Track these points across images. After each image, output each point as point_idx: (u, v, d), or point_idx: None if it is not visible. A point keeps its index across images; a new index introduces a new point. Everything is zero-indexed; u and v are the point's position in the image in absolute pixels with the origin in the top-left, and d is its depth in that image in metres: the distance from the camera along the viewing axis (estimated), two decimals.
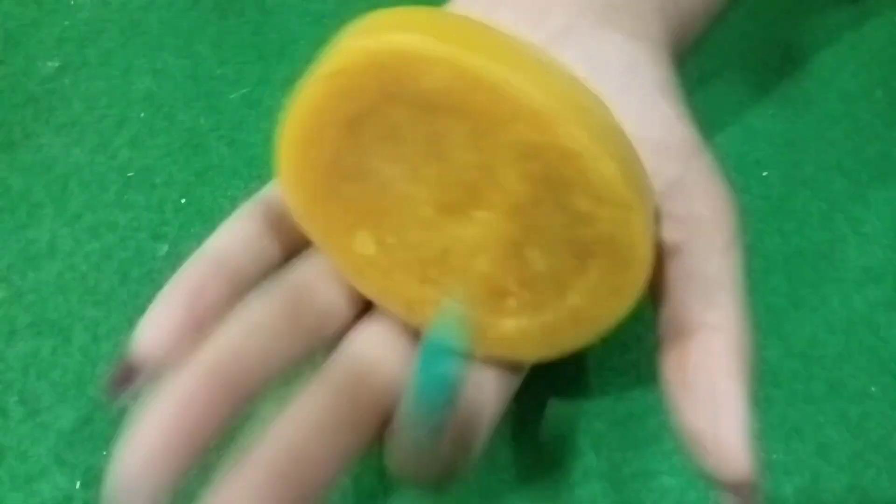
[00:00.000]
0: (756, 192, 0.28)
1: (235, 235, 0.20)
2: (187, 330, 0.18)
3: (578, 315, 0.19)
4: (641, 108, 0.20)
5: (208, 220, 0.29)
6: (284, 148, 0.19)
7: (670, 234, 0.20)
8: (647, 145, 0.19)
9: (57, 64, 0.33)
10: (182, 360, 0.17)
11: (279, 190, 0.20)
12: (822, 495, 0.24)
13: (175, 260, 0.28)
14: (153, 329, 0.18)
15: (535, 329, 0.19)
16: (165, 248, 0.29)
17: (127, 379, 0.18)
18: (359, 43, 0.18)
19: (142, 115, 0.32)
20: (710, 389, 0.18)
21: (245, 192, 0.29)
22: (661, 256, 0.20)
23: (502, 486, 0.24)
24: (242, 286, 0.19)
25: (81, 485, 0.24)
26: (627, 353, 0.26)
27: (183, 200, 0.30)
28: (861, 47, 0.31)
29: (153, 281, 0.28)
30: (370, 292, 0.21)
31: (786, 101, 0.30)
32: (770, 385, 0.25)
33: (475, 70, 0.16)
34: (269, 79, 0.33)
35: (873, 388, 0.25)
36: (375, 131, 0.18)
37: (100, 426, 0.26)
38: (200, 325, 0.18)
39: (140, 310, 0.27)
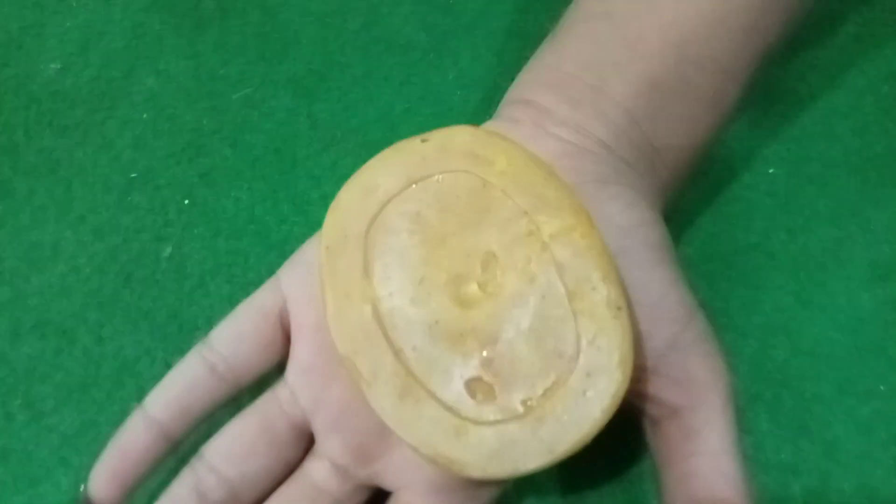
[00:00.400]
0: (763, 190, 0.28)
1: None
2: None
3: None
4: (640, 272, 0.21)
5: (212, 220, 0.29)
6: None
7: (669, 395, 0.21)
8: (645, 307, 0.21)
9: (59, 66, 0.33)
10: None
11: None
12: (830, 495, 0.24)
13: (178, 261, 0.28)
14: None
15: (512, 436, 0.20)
16: (169, 249, 0.29)
17: None
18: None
19: (144, 116, 0.32)
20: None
21: (248, 192, 0.30)
22: (661, 418, 0.22)
23: None
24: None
25: (85, 487, 0.24)
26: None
27: (186, 201, 0.30)
28: (867, 42, 0.31)
29: (157, 282, 0.28)
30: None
31: (792, 98, 0.30)
32: (778, 384, 0.25)
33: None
34: (271, 79, 0.32)
35: (882, 387, 0.25)
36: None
37: (103, 429, 0.26)
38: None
39: (144, 312, 0.27)
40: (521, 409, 0.20)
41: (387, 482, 0.22)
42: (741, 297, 0.26)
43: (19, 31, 0.34)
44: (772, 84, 0.30)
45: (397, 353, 0.20)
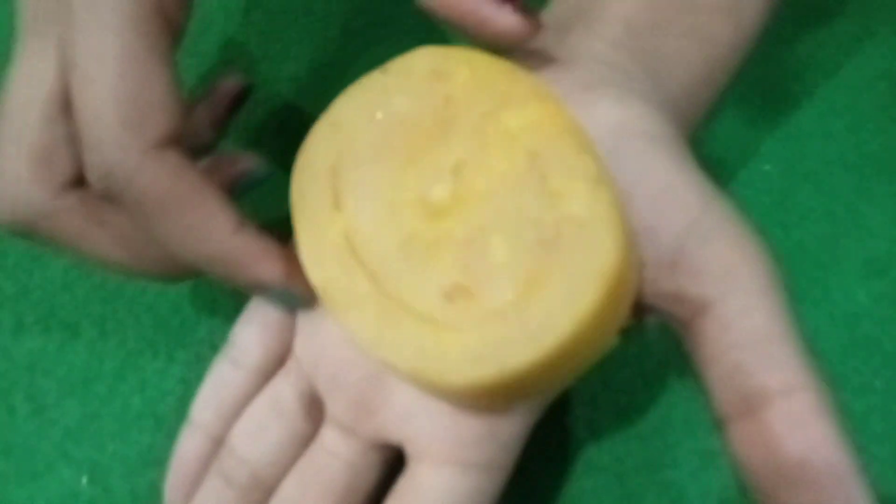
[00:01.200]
0: (758, 187, 0.28)
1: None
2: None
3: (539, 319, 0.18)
4: (636, 164, 0.19)
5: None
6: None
7: (695, 288, 0.18)
8: (648, 199, 0.19)
9: None
10: None
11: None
12: None
13: None
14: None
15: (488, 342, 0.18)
16: None
17: None
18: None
19: None
20: (812, 471, 0.17)
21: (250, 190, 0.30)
22: (691, 316, 0.19)
23: None
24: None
25: (88, 480, 0.25)
26: (629, 346, 0.26)
27: None
28: (864, 39, 0.31)
29: None
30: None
31: (787, 95, 0.30)
32: None
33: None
34: (275, 78, 0.33)
35: (877, 383, 0.25)
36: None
37: (106, 422, 0.26)
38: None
39: (147, 306, 0.27)
40: (503, 306, 0.18)
41: (392, 434, 0.20)
42: None
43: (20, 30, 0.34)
44: (767, 81, 0.30)
45: (372, 276, 0.20)
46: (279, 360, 0.23)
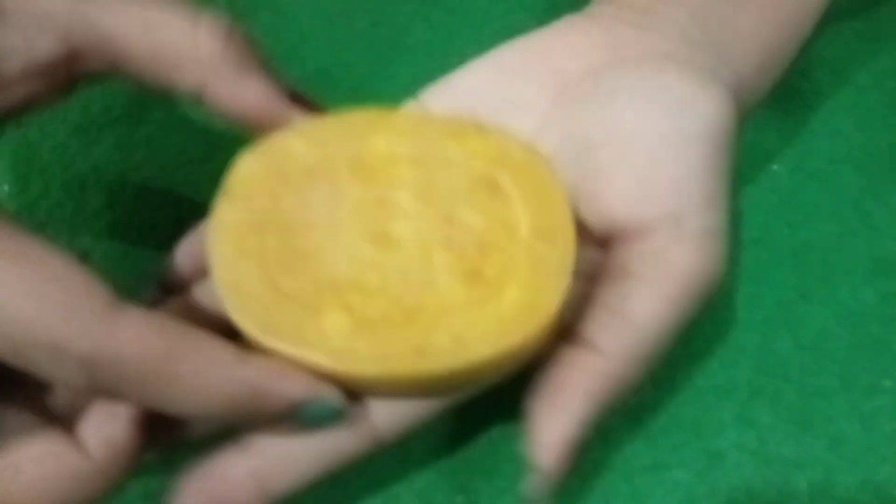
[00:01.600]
0: (764, 185, 0.28)
1: None
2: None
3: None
4: (671, 150, 0.21)
5: None
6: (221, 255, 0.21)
7: (633, 262, 0.21)
8: (669, 183, 0.21)
9: None
10: None
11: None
12: (835, 490, 0.24)
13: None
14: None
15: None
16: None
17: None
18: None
19: (158, 115, 0.32)
20: (559, 400, 0.20)
21: None
22: (618, 262, 0.21)
23: (511, 481, 0.24)
24: None
25: None
26: None
27: (199, 199, 0.30)
28: (872, 38, 0.31)
29: None
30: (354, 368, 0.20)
31: (795, 93, 0.30)
32: (780, 379, 0.25)
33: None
34: (281, 78, 0.33)
35: (886, 382, 0.25)
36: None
37: None
38: None
39: None
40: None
41: None
42: (743, 293, 0.26)
43: None
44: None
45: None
46: None
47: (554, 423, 0.20)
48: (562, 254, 0.20)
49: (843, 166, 0.28)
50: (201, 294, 0.22)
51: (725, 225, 0.22)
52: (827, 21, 0.31)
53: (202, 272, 0.22)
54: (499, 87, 0.24)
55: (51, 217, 0.30)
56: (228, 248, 0.21)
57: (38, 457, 0.18)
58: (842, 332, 0.26)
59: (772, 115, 0.30)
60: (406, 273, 0.20)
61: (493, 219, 0.21)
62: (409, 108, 0.24)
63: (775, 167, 0.29)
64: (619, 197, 0.21)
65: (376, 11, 0.34)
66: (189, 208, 0.30)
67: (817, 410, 0.25)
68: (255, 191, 0.22)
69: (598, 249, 0.22)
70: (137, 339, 0.17)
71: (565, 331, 0.21)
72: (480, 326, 0.19)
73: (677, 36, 0.23)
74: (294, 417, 0.19)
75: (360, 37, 0.34)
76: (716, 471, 0.24)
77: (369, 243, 0.21)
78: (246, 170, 0.22)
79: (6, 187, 0.30)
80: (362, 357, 0.19)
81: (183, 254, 0.23)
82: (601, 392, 0.20)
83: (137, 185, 0.30)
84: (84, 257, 0.25)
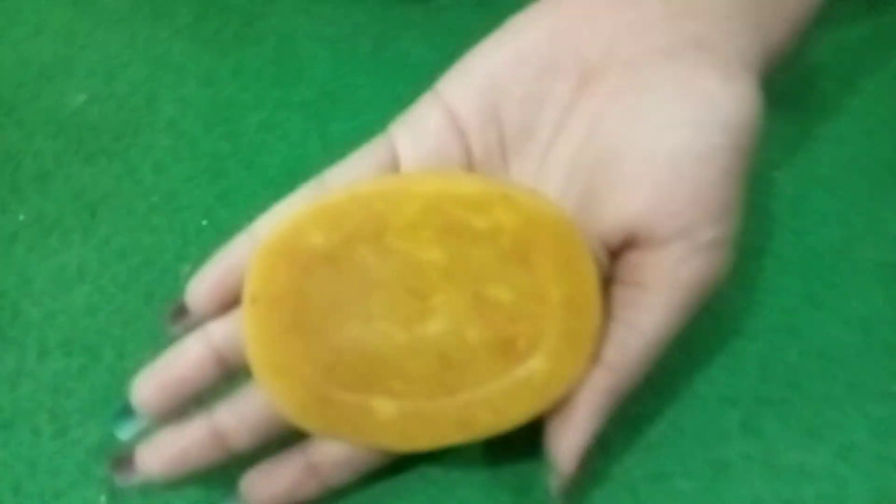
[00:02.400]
0: (770, 192, 0.28)
1: None
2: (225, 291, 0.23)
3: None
4: (701, 149, 0.21)
5: (229, 240, 0.30)
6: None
7: (643, 273, 0.21)
8: (685, 187, 0.21)
9: (86, 97, 0.34)
10: None
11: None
12: (845, 499, 0.23)
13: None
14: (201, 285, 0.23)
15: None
16: (188, 268, 0.30)
17: (180, 316, 0.24)
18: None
19: (166, 142, 0.33)
20: (572, 417, 0.22)
21: (263, 212, 0.30)
22: (629, 268, 0.22)
23: (512, 493, 0.24)
24: None
25: (106, 499, 0.25)
26: None
27: (204, 222, 0.31)
28: (875, 43, 0.31)
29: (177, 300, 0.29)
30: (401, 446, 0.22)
31: (800, 100, 0.30)
32: (788, 386, 0.25)
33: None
34: (286, 102, 0.34)
35: (895, 388, 0.24)
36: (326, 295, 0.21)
37: (125, 442, 0.26)
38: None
39: (164, 329, 0.28)
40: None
41: None
42: (749, 300, 0.26)
43: (50, 65, 0.35)
44: (778, 87, 0.30)
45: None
46: None
47: (570, 437, 0.22)
48: (589, 322, 0.21)
49: (848, 172, 0.28)
50: (218, 332, 0.23)
51: (736, 230, 0.22)
52: (831, 28, 0.31)
53: (217, 308, 0.23)
54: (519, 77, 0.23)
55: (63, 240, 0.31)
56: (271, 355, 0.22)
57: None
58: (849, 339, 0.25)
59: (776, 123, 0.29)
60: (443, 354, 0.21)
61: (522, 292, 0.21)
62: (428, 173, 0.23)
63: (780, 174, 0.28)
64: (638, 208, 0.21)
65: (379, 35, 0.35)
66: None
67: (825, 418, 0.24)
68: (283, 290, 0.21)
69: (608, 255, 0.22)
70: None
71: None
72: (516, 397, 0.21)
73: (706, 12, 0.22)
74: None
75: (364, 60, 0.34)
76: (721, 481, 0.23)
77: (404, 329, 0.21)
78: (267, 270, 0.21)
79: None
80: (414, 437, 0.22)
81: (198, 292, 0.23)
82: (607, 405, 0.22)
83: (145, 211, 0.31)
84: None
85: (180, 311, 0.24)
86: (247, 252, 0.23)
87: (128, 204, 0.31)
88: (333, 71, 0.34)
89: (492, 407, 0.21)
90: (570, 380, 0.21)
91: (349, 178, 0.23)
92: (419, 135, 0.23)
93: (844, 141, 0.29)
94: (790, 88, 0.30)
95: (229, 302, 0.23)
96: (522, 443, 0.23)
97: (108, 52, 0.35)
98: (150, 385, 0.23)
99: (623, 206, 0.21)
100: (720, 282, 0.22)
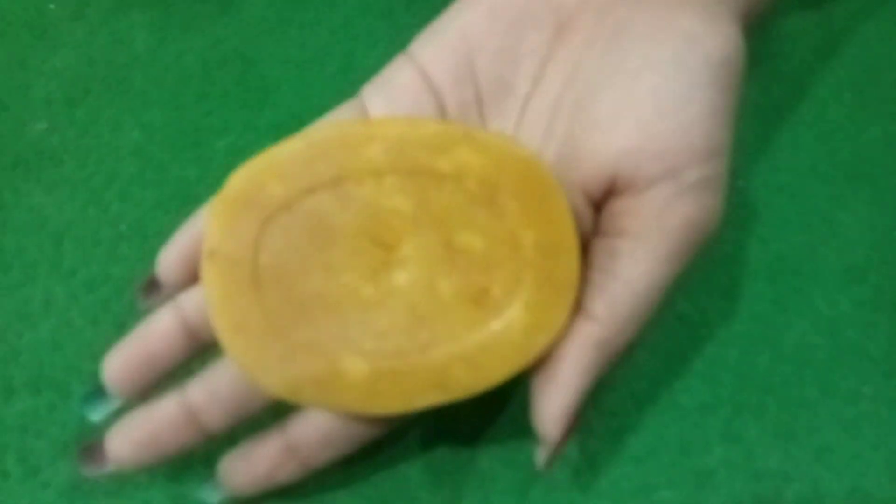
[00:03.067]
0: (733, 201, 0.29)
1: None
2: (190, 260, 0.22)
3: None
4: (684, 88, 0.20)
5: None
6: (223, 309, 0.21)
7: (628, 219, 0.20)
8: (669, 124, 0.20)
9: (45, 125, 0.33)
10: None
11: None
12: (823, 500, 0.24)
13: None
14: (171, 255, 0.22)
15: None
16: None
17: (151, 288, 0.23)
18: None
19: (131, 169, 0.32)
20: (557, 374, 0.20)
21: None
22: (613, 218, 0.21)
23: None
24: None
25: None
26: (617, 369, 0.26)
27: None
28: (825, 51, 0.32)
29: None
30: (369, 408, 0.21)
31: (756, 110, 0.31)
32: (763, 391, 0.25)
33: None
34: (253, 126, 0.33)
35: (866, 389, 0.25)
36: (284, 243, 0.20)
37: (100, 482, 0.26)
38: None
39: None
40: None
41: None
42: (719, 308, 0.27)
43: (5, 92, 0.34)
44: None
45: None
46: None
47: (554, 397, 0.20)
48: (567, 267, 0.20)
49: (808, 179, 0.29)
50: (189, 303, 0.22)
51: (726, 171, 0.21)
52: (780, 37, 0.32)
53: (187, 280, 0.22)
54: (493, 31, 0.22)
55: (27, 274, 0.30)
56: (230, 311, 0.20)
57: None
58: (819, 342, 0.26)
59: (735, 133, 0.30)
60: (414, 307, 0.20)
61: (494, 237, 0.20)
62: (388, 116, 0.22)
63: (742, 183, 0.29)
64: (619, 150, 0.20)
65: (347, 56, 0.35)
66: None
67: (801, 421, 0.25)
68: (241, 244, 0.20)
69: (589, 205, 0.21)
70: None
71: None
72: (493, 352, 0.20)
73: None
74: None
75: (332, 81, 0.34)
76: (705, 489, 0.24)
77: (370, 282, 0.20)
78: (225, 223, 0.20)
79: None
80: (386, 398, 0.20)
81: (167, 261, 0.22)
82: (596, 361, 0.20)
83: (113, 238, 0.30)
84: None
85: (152, 285, 0.23)
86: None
87: (94, 233, 0.31)
88: (300, 93, 0.34)
89: (468, 363, 0.20)
90: (552, 331, 0.20)
91: None
92: (391, 95, 0.22)
93: (801, 148, 0.30)
94: (747, 99, 0.31)
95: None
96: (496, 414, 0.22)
97: (66, 79, 0.35)
98: (119, 361, 0.22)
99: (603, 147, 0.20)
100: (714, 227, 0.21)
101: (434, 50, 0.22)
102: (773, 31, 0.32)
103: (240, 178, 0.21)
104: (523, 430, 0.25)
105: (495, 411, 0.25)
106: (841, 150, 0.29)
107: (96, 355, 0.28)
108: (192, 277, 0.22)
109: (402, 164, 0.20)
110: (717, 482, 0.24)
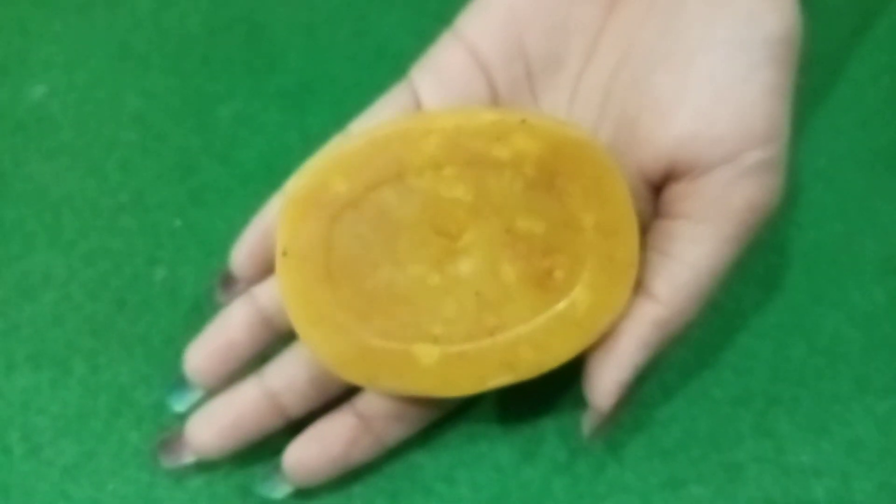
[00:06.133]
0: None
1: None
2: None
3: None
4: (740, 68, 0.20)
5: (204, 241, 0.28)
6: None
7: (689, 203, 0.20)
8: (728, 107, 0.20)
9: (45, 90, 0.32)
10: None
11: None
12: (853, 495, 0.23)
13: (172, 284, 0.27)
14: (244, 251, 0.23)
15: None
16: (162, 272, 0.28)
17: (228, 283, 0.24)
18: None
19: (132, 137, 0.31)
20: (615, 348, 0.21)
21: (241, 210, 0.29)
22: (672, 201, 0.21)
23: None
24: None
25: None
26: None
27: (177, 222, 0.29)
28: (864, 34, 0.31)
29: (151, 307, 0.27)
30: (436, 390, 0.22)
31: (794, 92, 0.30)
32: (796, 385, 0.25)
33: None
34: (260, 93, 0.32)
35: None
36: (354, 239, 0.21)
37: (103, 460, 0.25)
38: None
39: (139, 338, 0.26)
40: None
41: None
42: (754, 298, 0.26)
43: (3, 57, 0.33)
44: None
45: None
46: None
47: (610, 369, 0.21)
48: (627, 247, 0.20)
49: (845, 164, 0.28)
50: (263, 294, 0.23)
51: (786, 150, 0.21)
52: (819, 18, 0.31)
53: (260, 273, 0.23)
54: (541, 5, 0.22)
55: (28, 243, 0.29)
56: (306, 307, 0.21)
57: None
58: (854, 335, 0.25)
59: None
60: (480, 293, 0.21)
61: (554, 221, 0.20)
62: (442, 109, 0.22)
63: None
64: (677, 137, 0.20)
65: (359, 20, 0.33)
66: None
67: (834, 416, 0.24)
68: (311, 243, 0.21)
69: (650, 190, 0.21)
70: None
71: None
72: (559, 332, 0.21)
73: None
74: None
75: (343, 47, 0.33)
76: (734, 484, 0.23)
77: (437, 271, 0.21)
78: (294, 224, 0.21)
79: None
80: (459, 381, 0.21)
81: (240, 258, 0.23)
82: (654, 338, 0.21)
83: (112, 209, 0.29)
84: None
85: (228, 280, 0.24)
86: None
87: (93, 204, 0.29)
88: (310, 59, 0.33)
89: (535, 344, 0.21)
90: (614, 310, 0.21)
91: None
92: (440, 75, 0.22)
93: (840, 132, 0.29)
94: None
95: (272, 264, 0.22)
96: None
97: (66, 44, 0.33)
98: (200, 353, 0.23)
99: (661, 135, 0.20)
100: (774, 207, 0.21)
101: (481, 26, 0.22)
102: (809, 11, 0.31)
103: (306, 178, 0.21)
104: (543, 424, 0.24)
105: (513, 404, 0.25)
106: (879, 135, 0.28)
107: (96, 331, 0.27)
108: (263, 270, 0.23)
109: (459, 155, 0.21)
110: (746, 477, 0.23)
